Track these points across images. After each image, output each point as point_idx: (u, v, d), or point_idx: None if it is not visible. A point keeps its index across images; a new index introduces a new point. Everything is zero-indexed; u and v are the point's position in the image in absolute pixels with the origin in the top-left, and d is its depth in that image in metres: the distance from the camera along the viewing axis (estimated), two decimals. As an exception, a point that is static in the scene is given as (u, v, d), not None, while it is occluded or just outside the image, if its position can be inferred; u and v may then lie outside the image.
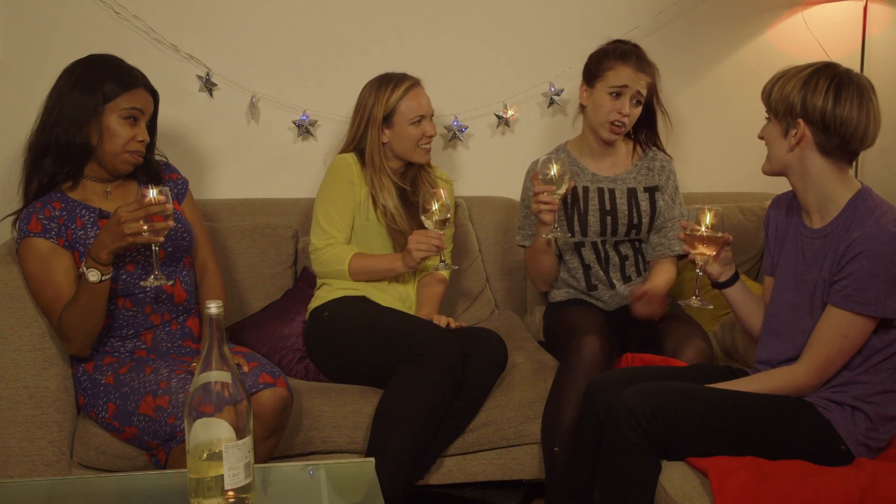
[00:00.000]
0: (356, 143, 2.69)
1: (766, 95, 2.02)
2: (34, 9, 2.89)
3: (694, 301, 2.19)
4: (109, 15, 2.92)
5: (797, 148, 1.98)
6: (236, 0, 3.01)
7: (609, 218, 2.65)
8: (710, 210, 2.07)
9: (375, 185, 2.65)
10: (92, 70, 2.24)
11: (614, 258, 2.69)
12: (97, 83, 2.21)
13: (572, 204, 2.66)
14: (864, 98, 1.93)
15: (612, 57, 2.58)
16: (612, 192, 2.67)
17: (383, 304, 2.63)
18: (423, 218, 2.43)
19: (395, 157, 2.69)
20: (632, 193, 2.67)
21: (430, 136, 2.67)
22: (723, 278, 2.19)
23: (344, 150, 2.72)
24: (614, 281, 2.70)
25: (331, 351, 2.57)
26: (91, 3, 2.90)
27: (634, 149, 2.73)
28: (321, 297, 2.66)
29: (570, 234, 2.65)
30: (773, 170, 2.06)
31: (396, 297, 2.68)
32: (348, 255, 2.61)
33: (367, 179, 2.66)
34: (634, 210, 2.66)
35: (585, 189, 2.66)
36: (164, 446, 2.13)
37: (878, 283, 1.87)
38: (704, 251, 2.09)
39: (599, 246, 2.68)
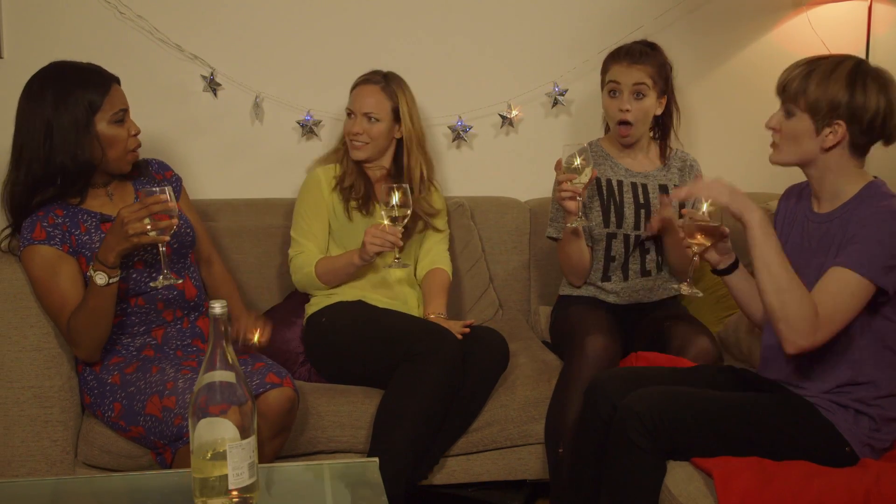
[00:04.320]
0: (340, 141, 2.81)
1: (798, 92, 1.96)
2: (38, 9, 2.89)
3: (684, 288, 2.16)
4: (114, 15, 2.92)
5: (835, 148, 1.96)
6: (241, 0, 3.01)
7: (643, 211, 2.67)
8: (706, 200, 2.07)
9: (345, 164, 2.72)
10: (62, 84, 2.19)
11: (634, 255, 2.70)
12: (77, 97, 2.17)
13: (608, 195, 2.67)
14: None
15: (608, 60, 2.68)
16: (644, 186, 2.69)
17: (380, 306, 2.64)
18: (381, 210, 2.42)
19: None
20: (663, 189, 2.69)
21: (354, 134, 2.68)
22: (721, 266, 2.19)
23: None
24: (630, 274, 2.70)
25: (331, 355, 2.57)
26: (95, 3, 2.90)
27: (662, 150, 2.75)
28: (317, 302, 2.67)
29: (590, 223, 2.65)
30: (790, 161, 2.02)
31: (393, 298, 2.67)
32: (315, 259, 2.63)
33: (339, 171, 2.72)
34: None
35: (620, 182, 2.68)
36: (171, 446, 2.14)
37: (883, 251, 1.86)
38: (702, 241, 2.09)
39: (632, 240, 2.68)
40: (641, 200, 2.68)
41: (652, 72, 2.61)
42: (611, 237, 2.68)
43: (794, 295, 1.87)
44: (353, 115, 2.70)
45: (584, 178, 2.38)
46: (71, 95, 2.18)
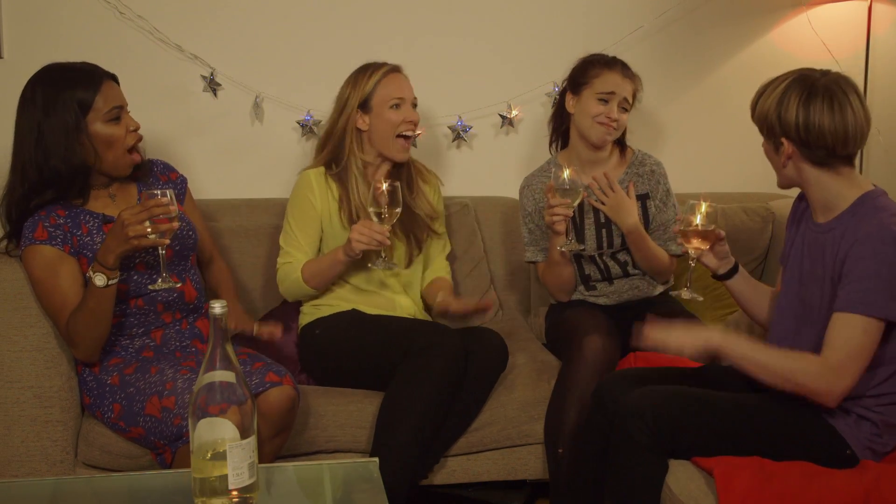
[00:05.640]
0: (334, 140, 2.62)
1: (752, 114, 2.02)
2: (38, 9, 2.89)
3: (684, 292, 2.18)
4: (114, 15, 2.92)
5: (789, 163, 1.98)
6: (241, 0, 3.01)
7: (604, 230, 2.66)
8: (704, 202, 2.08)
9: (348, 177, 2.59)
10: (52, 87, 2.18)
11: (615, 267, 2.70)
12: (65, 98, 2.16)
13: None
14: (835, 103, 1.89)
15: (597, 65, 2.63)
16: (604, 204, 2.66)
17: (374, 313, 2.61)
18: (368, 209, 2.36)
19: (372, 148, 2.61)
20: None
21: (412, 123, 2.59)
22: (721, 270, 2.20)
23: (320, 150, 2.67)
24: (615, 281, 2.71)
25: (328, 367, 2.55)
26: (95, 4, 2.90)
27: (622, 155, 2.73)
28: (309, 312, 2.64)
29: (583, 246, 2.64)
30: (782, 184, 2.06)
31: (386, 308, 2.64)
32: (300, 264, 2.56)
33: (335, 180, 2.60)
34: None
35: (581, 203, 2.63)
36: (171, 446, 2.14)
37: (881, 284, 1.85)
38: (699, 245, 2.09)
39: (598, 259, 2.69)
40: (602, 219, 2.66)
41: (635, 88, 2.64)
42: (578, 257, 2.69)
43: (796, 366, 1.90)
44: (401, 104, 2.59)
45: (577, 200, 2.40)
46: (60, 97, 2.17)
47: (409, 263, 2.67)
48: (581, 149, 2.68)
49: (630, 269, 2.70)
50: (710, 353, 1.99)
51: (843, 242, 1.93)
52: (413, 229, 2.62)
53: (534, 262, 2.77)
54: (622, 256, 2.70)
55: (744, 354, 1.95)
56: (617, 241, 2.66)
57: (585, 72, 2.64)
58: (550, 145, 2.82)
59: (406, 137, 2.60)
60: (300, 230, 2.60)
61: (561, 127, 2.76)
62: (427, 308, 2.75)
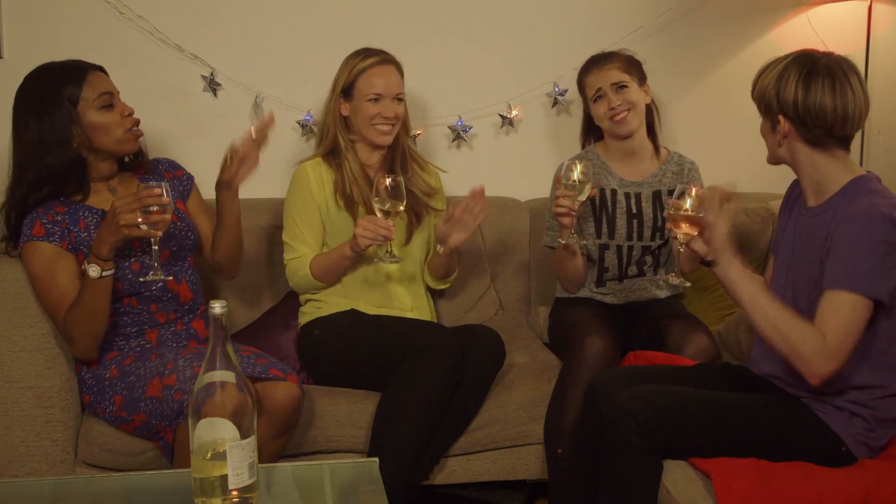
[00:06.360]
0: (328, 124, 2.66)
1: (752, 92, 2.03)
2: (38, 9, 2.89)
3: (672, 278, 2.17)
4: (114, 15, 2.92)
5: (784, 142, 1.98)
6: (241, 0, 3.01)
7: (636, 221, 2.68)
8: (695, 188, 2.08)
9: (341, 156, 2.61)
10: (38, 89, 2.21)
11: (632, 266, 2.71)
12: (53, 96, 2.18)
13: (601, 207, 2.69)
14: (836, 83, 1.90)
15: (580, 76, 2.75)
16: (638, 196, 2.70)
17: (373, 312, 2.61)
18: (374, 202, 2.37)
19: (355, 133, 2.64)
20: (657, 196, 2.70)
21: (387, 119, 2.59)
22: (710, 257, 2.19)
23: (319, 140, 2.71)
24: (627, 278, 2.71)
25: (327, 368, 2.56)
26: (95, 4, 2.90)
27: (656, 151, 2.77)
28: (308, 312, 2.64)
29: (585, 241, 2.65)
30: (771, 161, 2.08)
31: (385, 300, 2.64)
32: (308, 259, 2.58)
33: (330, 166, 2.62)
34: (659, 212, 2.69)
35: (614, 192, 2.69)
36: (172, 425, 2.14)
37: (868, 263, 1.84)
38: (688, 231, 2.09)
39: (624, 251, 2.69)
40: (634, 210, 2.69)
41: (623, 65, 2.67)
42: (603, 248, 2.70)
43: (796, 330, 1.87)
44: (380, 99, 2.59)
45: (583, 195, 2.40)
46: (49, 96, 2.19)
47: (408, 239, 2.67)
48: (613, 144, 2.74)
49: (646, 268, 2.71)
50: (719, 272, 1.96)
51: (832, 223, 1.92)
52: (412, 205, 2.61)
53: (551, 248, 2.76)
54: (648, 258, 2.70)
55: (752, 295, 1.92)
56: (647, 233, 2.68)
57: (579, 86, 2.77)
58: (584, 147, 2.88)
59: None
60: (304, 224, 2.61)
61: (593, 133, 2.84)
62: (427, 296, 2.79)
